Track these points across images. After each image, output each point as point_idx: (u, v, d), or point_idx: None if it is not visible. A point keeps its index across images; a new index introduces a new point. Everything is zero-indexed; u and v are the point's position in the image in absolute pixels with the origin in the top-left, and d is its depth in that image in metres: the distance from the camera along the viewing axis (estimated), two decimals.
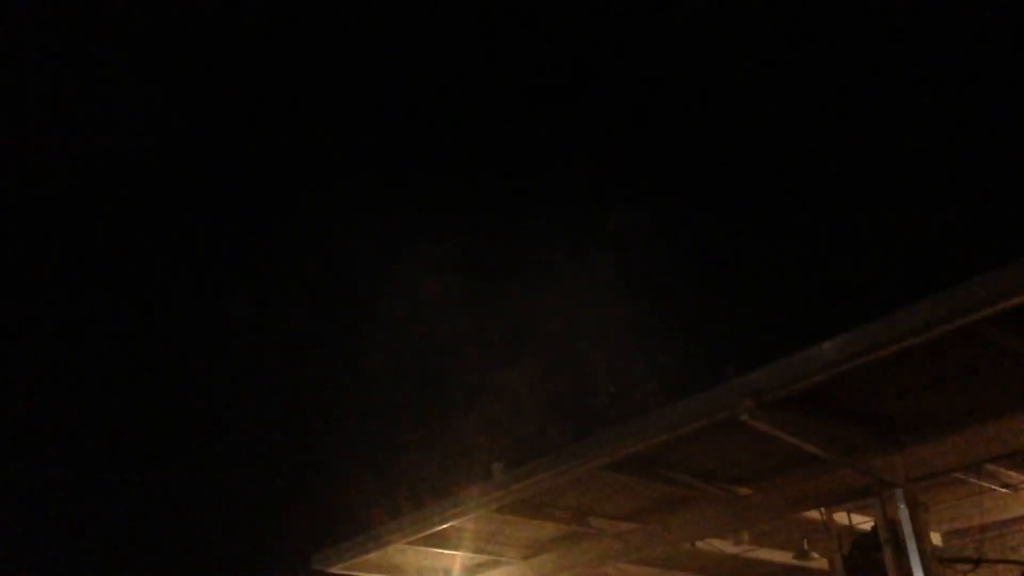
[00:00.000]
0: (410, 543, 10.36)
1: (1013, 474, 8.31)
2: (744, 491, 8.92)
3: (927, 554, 7.38)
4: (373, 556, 10.81)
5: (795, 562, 10.14)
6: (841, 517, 8.80)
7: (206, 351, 32.43)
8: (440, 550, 10.78)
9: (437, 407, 30.09)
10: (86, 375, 33.52)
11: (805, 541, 9.76)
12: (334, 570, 11.20)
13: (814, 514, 8.76)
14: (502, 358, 30.69)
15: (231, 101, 38.70)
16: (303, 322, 33.09)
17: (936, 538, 9.55)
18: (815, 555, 9.84)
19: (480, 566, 11.36)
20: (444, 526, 9.72)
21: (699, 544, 9.88)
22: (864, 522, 8.63)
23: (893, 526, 7.55)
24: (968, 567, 8.70)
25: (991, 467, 8.01)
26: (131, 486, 30.75)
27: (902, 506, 7.50)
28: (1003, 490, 8.50)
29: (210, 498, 30.19)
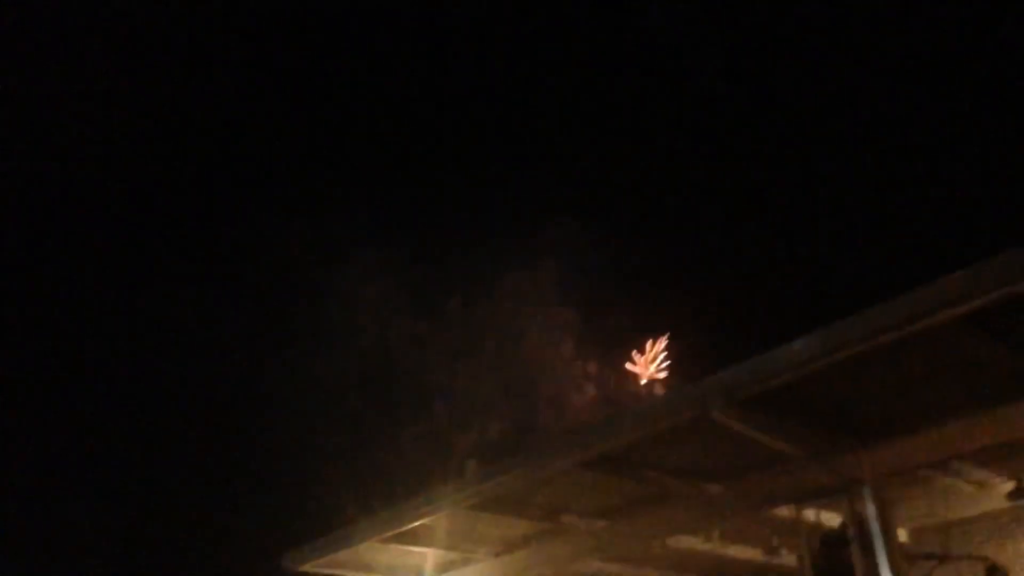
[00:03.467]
0: (382, 541, 10.32)
1: (979, 471, 8.42)
2: (715, 489, 8.98)
3: (894, 550, 7.46)
4: (344, 554, 10.76)
5: (765, 559, 10.22)
6: (810, 514, 8.89)
7: (174, 352, 32.21)
8: (412, 547, 10.75)
9: (392, 409, 30.21)
10: (50, 375, 33.15)
11: (775, 538, 9.84)
12: (304, 569, 11.13)
13: (783, 511, 8.84)
14: (450, 362, 30.98)
15: (192, 108, 38.42)
16: (260, 326, 33.05)
17: (903, 534, 9.66)
18: (784, 552, 9.92)
19: (452, 563, 11.35)
20: (416, 524, 9.70)
21: (670, 541, 9.93)
22: (832, 519, 8.73)
23: (861, 523, 7.63)
24: (934, 563, 8.81)
25: (957, 464, 8.12)
26: (98, 486, 30.44)
27: (870, 503, 7.58)
28: (969, 487, 8.62)
29: (178, 498, 29.96)
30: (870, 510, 7.57)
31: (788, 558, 10.08)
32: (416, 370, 31.03)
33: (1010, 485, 8.45)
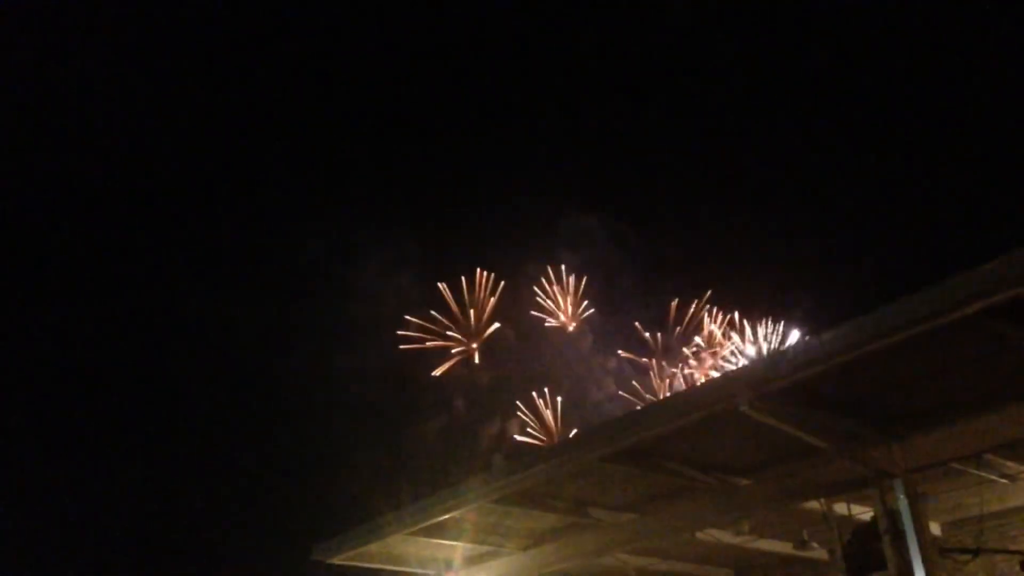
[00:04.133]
0: (411, 534, 10.37)
1: (1012, 464, 8.30)
2: (743, 482, 8.93)
3: (927, 544, 7.38)
4: (374, 547, 10.82)
5: (795, 552, 10.15)
6: (841, 508, 8.80)
7: (204, 349, 32.54)
8: (441, 541, 10.80)
9: (413, 404, 30.42)
10: (84, 374, 33.57)
11: (805, 531, 9.77)
12: (335, 561, 11.21)
13: (814, 504, 8.77)
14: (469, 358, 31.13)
15: (211, 109, 38.64)
16: (282, 323, 33.36)
17: (936, 528, 9.56)
18: (815, 545, 9.85)
19: (480, 557, 11.38)
20: (445, 517, 9.73)
21: (699, 534, 9.89)
22: (864, 512, 8.64)
23: (892, 516, 7.55)
24: (967, 557, 8.70)
25: (990, 457, 8.01)
26: (130, 481, 30.79)
27: (901, 496, 7.50)
28: (1002, 480, 8.50)
29: (210, 492, 30.27)
30: (902, 503, 7.48)
31: (818, 552, 10.01)
32: (435, 366, 31.26)
33: None
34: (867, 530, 8.12)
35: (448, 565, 11.58)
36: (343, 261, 33.47)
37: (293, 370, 31.12)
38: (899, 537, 7.50)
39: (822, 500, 8.62)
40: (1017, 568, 8.93)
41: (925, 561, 7.28)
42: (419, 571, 11.65)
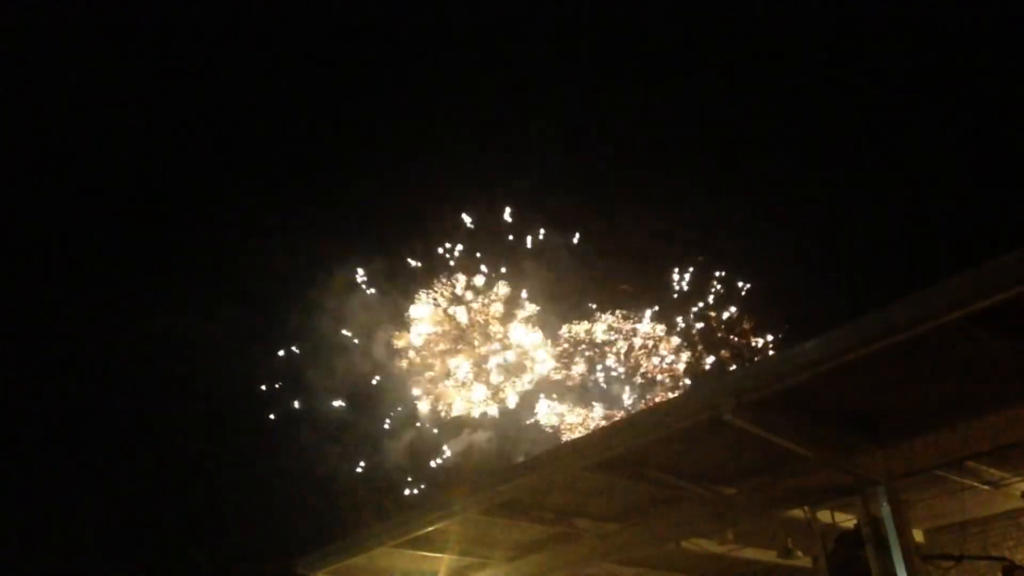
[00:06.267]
0: (396, 546, 10.33)
1: (994, 471, 8.37)
2: (728, 491, 8.96)
3: (910, 551, 7.43)
4: (359, 560, 10.77)
5: (779, 560, 10.18)
6: (825, 515, 8.86)
7: (171, 361, 32.30)
8: (426, 553, 10.75)
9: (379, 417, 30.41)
10: (54, 380, 33.25)
11: (789, 539, 9.80)
12: (319, 575, 11.15)
13: (798, 513, 8.81)
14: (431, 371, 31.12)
15: (180, 117, 38.43)
16: (252, 332, 33.23)
17: (919, 535, 9.62)
18: (799, 553, 9.88)
19: (466, 569, 11.34)
20: (430, 529, 9.71)
21: (684, 544, 9.91)
22: (847, 520, 8.69)
23: (876, 523, 7.60)
24: (950, 563, 8.76)
25: (972, 464, 8.08)
26: (108, 494, 30.54)
27: (884, 504, 7.55)
28: (984, 487, 8.57)
29: (189, 507, 30.06)
30: (885, 510, 7.54)
31: (803, 560, 10.04)
32: (399, 378, 31.30)
33: None
34: (851, 537, 8.18)
35: None
36: (309, 276, 33.42)
37: (270, 384, 31.01)
38: (882, 544, 7.55)
39: (806, 508, 8.66)
40: (999, 574, 8.99)
41: (908, 568, 7.33)
42: None
